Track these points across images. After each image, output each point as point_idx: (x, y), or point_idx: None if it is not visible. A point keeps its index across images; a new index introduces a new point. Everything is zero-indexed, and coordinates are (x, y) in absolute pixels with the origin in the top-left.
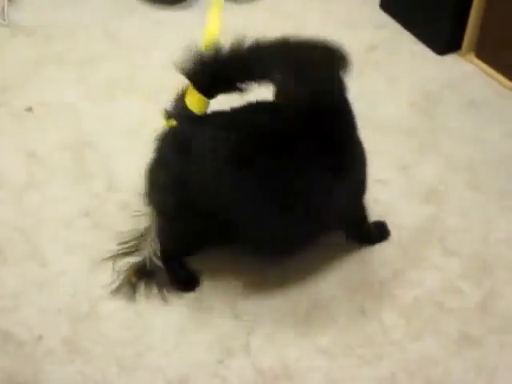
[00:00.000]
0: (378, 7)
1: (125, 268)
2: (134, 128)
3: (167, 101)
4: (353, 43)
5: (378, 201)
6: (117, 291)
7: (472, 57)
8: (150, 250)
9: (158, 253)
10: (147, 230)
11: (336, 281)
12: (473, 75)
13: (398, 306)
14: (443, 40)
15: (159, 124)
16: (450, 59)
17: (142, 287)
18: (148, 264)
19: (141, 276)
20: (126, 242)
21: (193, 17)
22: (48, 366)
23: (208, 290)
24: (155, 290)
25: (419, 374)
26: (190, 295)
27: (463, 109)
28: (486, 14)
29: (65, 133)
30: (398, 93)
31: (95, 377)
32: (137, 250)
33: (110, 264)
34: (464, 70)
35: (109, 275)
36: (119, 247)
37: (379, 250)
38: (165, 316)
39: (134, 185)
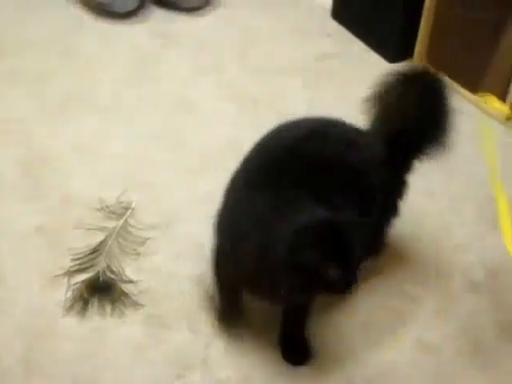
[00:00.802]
0: (329, 16)
1: (78, 284)
2: (87, 143)
3: (120, 115)
4: (304, 52)
5: None
6: (71, 308)
7: (424, 64)
8: (104, 264)
9: (113, 267)
10: (101, 244)
11: None
12: None
13: (355, 315)
14: (394, 48)
15: (112, 137)
16: (402, 67)
17: (95, 303)
18: (101, 279)
19: (94, 291)
20: (80, 258)
21: (144, 31)
22: None
23: (163, 304)
24: (109, 305)
25: (376, 381)
26: (145, 311)
27: None
28: (436, 22)
29: (18, 149)
30: (349, 101)
31: None
32: (91, 266)
33: (64, 281)
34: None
35: (63, 292)
36: (73, 263)
37: None
38: (121, 332)
39: (88, 200)
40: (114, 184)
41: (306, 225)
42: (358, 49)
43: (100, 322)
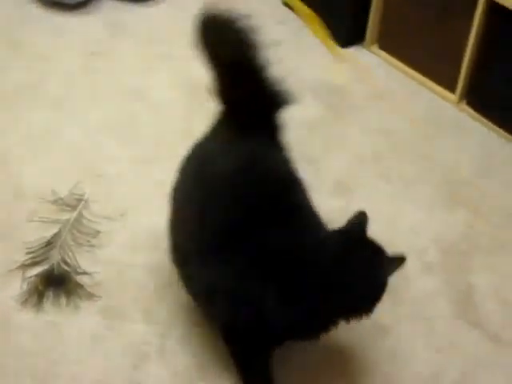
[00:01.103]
0: (279, 3)
1: (33, 277)
2: (39, 135)
3: (71, 107)
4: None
5: None
6: (25, 301)
7: (375, 48)
8: (59, 257)
9: (68, 260)
10: (55, 237)
11: None
12: (377, 66)
13: None
14: (345, 32)
15: (63, 130)
16: (354, 51)
17: (50, 296)
18: (56, 271)
19: (49, 284)
20: (34, 251)
21: (94, 22)
22: None
23: (119, 295)
24: (64, 298)
25: (333, 367)
26: (100, 302)
27: (368, 100)
28: (386, 5)
29: None
30: (302, 87)
31: None
32: (45, 259)
33: (18, 274)
34: (368, 62)
35: (18, 286)
36: (27, 256)
37: None
38: (76, 324)
39: (41, 193)
40: (67, 176)
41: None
42: (309, 34)
43: (55, 314)
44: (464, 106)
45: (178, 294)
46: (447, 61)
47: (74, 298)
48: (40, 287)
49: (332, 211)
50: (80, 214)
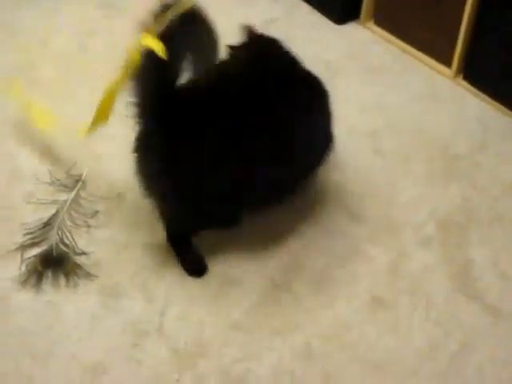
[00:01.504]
0: None
1: (31, 258)
2: (32, 117)
3: (66, 92)
4: (250, 18)
5: None
6: (25, 282)
7: (371, 24)
8: (57, 237)
9: (66, 240)
10: (53, 218)
11: (246, 255)
12: (372, 42)
13: (309, 274)
14: (340, 9)
15: (59, 111)
16: (349, 28)
17: (49, 276)
18: (54, 252)
19: (47, 265)
20: (33, 232)
21: (87, 2)
22: None
23: (117, 274)
24: (63, 278)
25: (333, 339)
26: (99, 281)
27: (364, 76)
28: None
29: None
30: None
31: (8, 369)
32: (44, 240)
33: (17, 255)
34: (363, 38)
35: (17, 267)
36: (26, 238)
37: (289, 221)
38: (75, 304)
39: (36, 174)
40: (63, 156)
41: None
42: (304, 11)
43: (54, 294)
44: (460, 80)
45: (177, 272)
46: (443, 35)
47: (72, 278)
48: (39, 268)
49: (328, 188)
50: (77, 195)
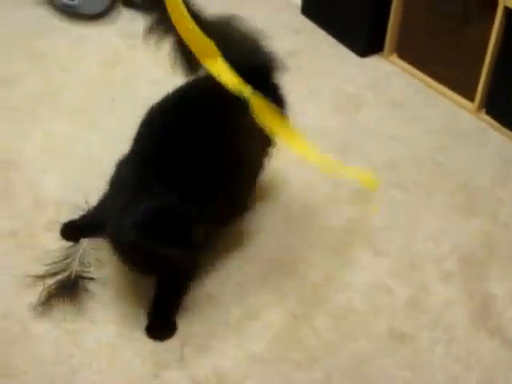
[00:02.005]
0: (298, 13)
1: (51, 287)
2: (57, 146)
3: (90, 117)
4: (274, 49)
5: (306, 205)
6: (44, 311)
7: (394, 57)
8: (77, 267)
9: (85, 269)
10: (74, 248)
11: (267, 288)
12: (395, 75)
13: (330, 308)
14: (364, 42)
15: (82, 139)
16: (372, 61)
17: (68, 304)
18: (73, 281)
19: (66, 293)
20: (54, 262)
21: (113, 32)
22: None
23: (136, 303)
24: (81, 308)
25: (354, 373)
26: (119, 310)
27: (386, 109)
28: (405, 15)
29: None
30: (320, 96)
31: None
32: (64, 269)
33: (38, 284)
34: (386, 71)
35: (36, 296)
36: (47, 267)
37: (310, 254)
38: (95, 333)
39: (59, 203)
40: (85, 184)
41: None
42: (327, 44)
43: (74, 324)
44: (482, 114)
45: (197, 305)
46: (466, 69)
47: (91, 307)
48: (58, 296)
49: (350, 220)
50: None
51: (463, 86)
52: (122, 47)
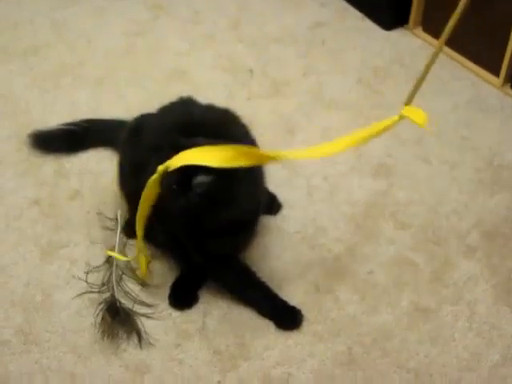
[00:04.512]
0: None
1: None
2: (80, 116)
3: (112, 88)
4: (298, 21)
5: (328, 178)
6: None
7: (419, 31)
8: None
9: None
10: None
11: (289, 259)
12: (420, 49)
13: (352, 280)
14: (389, 15)
15: (105, 110)
16: (398, 34)
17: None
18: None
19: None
20: (101, 286)
21: (136, 3)
22: (4, 357)
23: (159, 273)
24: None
25: (375, 347)
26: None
27: (411, 82)
28: None
29: (12, 123)
30: (345, 69)
31: (52, 365)
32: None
33: (61, 253)
34: (411, 45)
35: (60, 264)
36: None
37: (333, 227)
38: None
39: (82, 172)
40: (105, 155)
41: None
42: (352, 17)
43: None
44: (508, 89)
45: None
46: (491, 44)
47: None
48: (114, 329)
49: (374, 193)
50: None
51: (488, 61)
52: (146, 18)
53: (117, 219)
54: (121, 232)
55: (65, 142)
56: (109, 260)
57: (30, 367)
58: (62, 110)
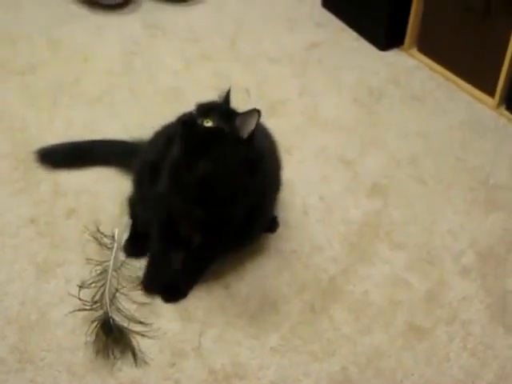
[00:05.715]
0: (319, 5)
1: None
2: (76, 134)
3: (109, 106)
4: (294, 41)
5: (324, 198)
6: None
7: (414, 51)
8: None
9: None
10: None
11: (285, 280)
12: (415, 69)
13: (347, 300)
14: (385, 35)
15: (101, 128)
16: (393, 54)
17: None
18: (112, 324)
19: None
20: (93, 303)
21: (133, 21)
22: None
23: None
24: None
25: (370, 366)
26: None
27: (406, 103)
28: (425, 8)
29: (8, 141)
30: (341, 89)
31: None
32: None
33: (57, 271)
34: (406, 65)
35: (56, 283)
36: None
37: (328, 247)
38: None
39: (79, 191)
40: (102, 174)
41: None
42: (348, 37)
43: (90, 312)
44: (502, 110)
45: (214, 295)
46: (486, 64)
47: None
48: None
49: (369, 213)
50: (117, 257)
51: (484, 82)
52: (142, 37)
53: (113, 237)
54: (118, 250)
55: (70, 157)
56: (103, 276)
57: None
58: (58, 128)
